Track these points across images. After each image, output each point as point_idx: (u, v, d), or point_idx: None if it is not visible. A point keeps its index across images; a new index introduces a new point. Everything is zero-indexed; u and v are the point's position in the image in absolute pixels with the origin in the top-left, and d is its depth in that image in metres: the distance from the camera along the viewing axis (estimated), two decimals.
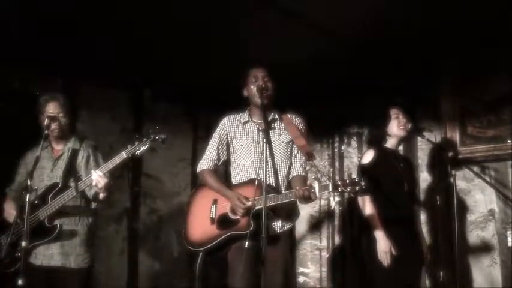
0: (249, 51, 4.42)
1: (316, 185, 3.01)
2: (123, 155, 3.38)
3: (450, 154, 4.37)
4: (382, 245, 3.74)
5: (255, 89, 3.36)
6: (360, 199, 3.88)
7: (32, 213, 3.46)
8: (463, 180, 4.83)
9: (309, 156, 3.30)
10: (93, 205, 3.70)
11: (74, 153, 3.73)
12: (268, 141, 3.24)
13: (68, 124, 3.77)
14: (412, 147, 5.16)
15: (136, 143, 3.36)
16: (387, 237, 3.74)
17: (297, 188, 3.10)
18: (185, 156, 6.14)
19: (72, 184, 3.56)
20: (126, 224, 5.55)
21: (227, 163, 3.60)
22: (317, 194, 3.02)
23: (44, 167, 3.70)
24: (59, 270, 3.51)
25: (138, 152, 3.36)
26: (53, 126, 3.63)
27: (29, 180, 3.15)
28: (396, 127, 3.98)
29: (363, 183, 2.91)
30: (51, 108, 3.66)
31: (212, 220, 3.34)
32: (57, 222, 3.52)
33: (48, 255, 3.52)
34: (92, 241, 3.72)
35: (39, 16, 3.93)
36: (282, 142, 3.43)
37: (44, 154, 3.69)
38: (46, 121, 3.57)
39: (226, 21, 4.09)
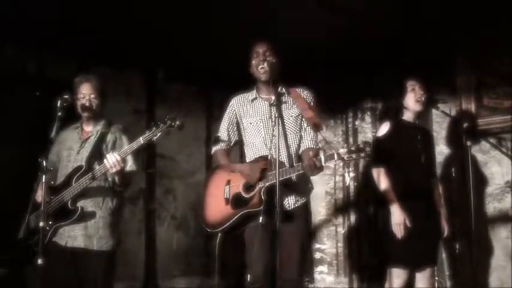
0: (266, 29, 4.37)
1: (321, 154, 3.02)
2: (141, 140, 3.34)
3: (466, 125, 4.32)
4: (396, 217, 3.75)
5: (256, 64, 3.36)
6: (374, 172, 3.87)
7: (58, 194, 3.52)
8: (479, 152, 4.79)
9: (316, 127, 3.30)
10: (117, 188, 3.66)
11: (102, 136, 3.69)
12: (280, 115, 3.23)
13: (100, 106, 3.72)
14: (427, 120, 5.09)
15: (154, 129, 3.30)
16: (401, 210, 3.74)
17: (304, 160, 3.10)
18: (199, 136, 6.14)
19: (95, 167, 3.54)
20: (142, 205, 5.60)
21: (241, 143, 3.60)
22: (323, 164, 3.02)
23: (72, 148, 3.68)
24: (82, 252, 3.52)
25: (155, 138, 3.31)
26: (84, 107, 3.64)
27: (44, 161, 3.14)
28: (412, 100, 3.94)
29: (367, 149, 2.90)
30: (84, 90, 3.65)
31: (226, 200, 3.36)
32: (80, 204, 3.51)
33: (72, 236, 3.53)
34: (117, 224, 3.69)
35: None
36: (291, 116, 3.41)
37: (73, 135, 3.71)
38: (78, 102, 3.61)
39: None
